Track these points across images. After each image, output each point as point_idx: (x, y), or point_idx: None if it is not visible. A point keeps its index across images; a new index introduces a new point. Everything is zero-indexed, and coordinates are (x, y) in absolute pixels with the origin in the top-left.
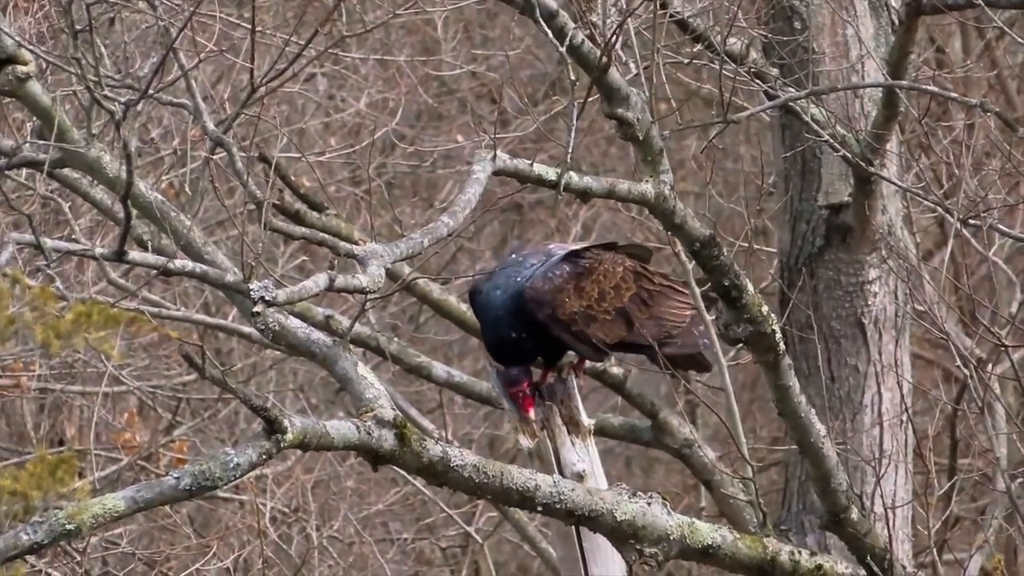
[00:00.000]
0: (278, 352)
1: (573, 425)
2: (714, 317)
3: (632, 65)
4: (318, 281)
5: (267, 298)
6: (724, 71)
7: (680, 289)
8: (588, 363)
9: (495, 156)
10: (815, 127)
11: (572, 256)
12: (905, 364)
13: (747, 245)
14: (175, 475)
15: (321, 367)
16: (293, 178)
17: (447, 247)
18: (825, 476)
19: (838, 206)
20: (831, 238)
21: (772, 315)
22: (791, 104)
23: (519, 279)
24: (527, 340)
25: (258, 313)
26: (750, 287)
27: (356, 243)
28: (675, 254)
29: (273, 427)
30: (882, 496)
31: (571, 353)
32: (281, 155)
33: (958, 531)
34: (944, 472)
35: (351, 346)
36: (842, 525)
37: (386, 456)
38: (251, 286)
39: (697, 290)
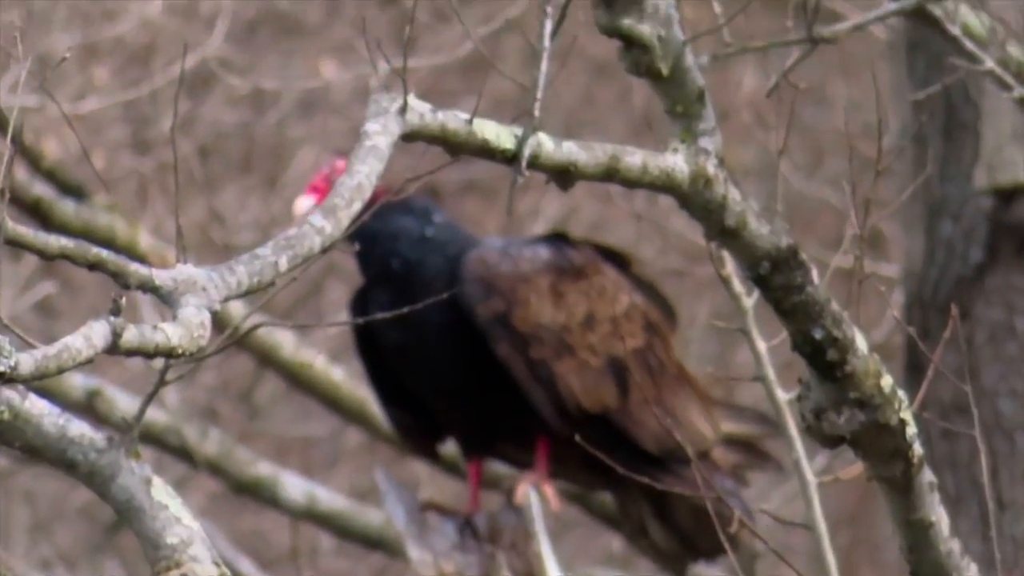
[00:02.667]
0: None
1: None
2: (795, 395)
3: None
4: (91, 337)
5: (0, 369)
6: None
7: (708, 400)
8: (555, 454)
9: (405, 106)
10: (970, 47)
11: (557, 240)
12: None
13: (852, 264)
14: None
15: (86, 487)
16: (31, 136)
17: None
18: None
19: (1011, 190)
20: (999, 247)
21: (901, 394)
22: (927, 7)
23: (462, 242)
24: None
25: None
26: (861, 343)
27: (146, 261)
28: (721, 279)
29: None
30: None
31: (520, 425)
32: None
33: None
34: None
35: (140, 448)
36: None
37: None
38: None
39: (773, 379)
